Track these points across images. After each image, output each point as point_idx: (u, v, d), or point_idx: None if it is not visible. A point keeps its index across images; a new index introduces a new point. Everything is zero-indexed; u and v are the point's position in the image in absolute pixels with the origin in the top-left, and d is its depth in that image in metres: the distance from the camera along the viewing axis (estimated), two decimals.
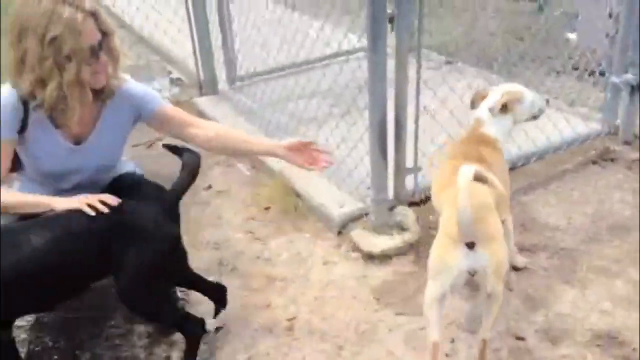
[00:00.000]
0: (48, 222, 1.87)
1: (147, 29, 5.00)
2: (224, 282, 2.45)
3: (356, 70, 2.92)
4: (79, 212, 1.86)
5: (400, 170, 2.59)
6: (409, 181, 2.66)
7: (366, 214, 2.64)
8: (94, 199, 1.89)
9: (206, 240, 2.72)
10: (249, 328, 2.25)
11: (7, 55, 1.87)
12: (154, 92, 2.15)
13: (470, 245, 1.79)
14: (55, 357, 2.14)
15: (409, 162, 2.59)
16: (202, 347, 2.14)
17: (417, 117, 2.54)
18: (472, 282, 1.94)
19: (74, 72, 1.83)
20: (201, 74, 3.91)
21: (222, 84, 3.97)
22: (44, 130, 1.97)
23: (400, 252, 2.52)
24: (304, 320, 2.28)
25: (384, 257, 2.51)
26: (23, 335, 2.23)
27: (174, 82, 4.46)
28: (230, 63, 3.88)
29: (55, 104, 1.87)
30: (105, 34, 1.89)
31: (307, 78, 3.58)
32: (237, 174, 3.25)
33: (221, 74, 3.93)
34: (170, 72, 4.60)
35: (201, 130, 2.15)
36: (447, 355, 2.07)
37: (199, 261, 2.56)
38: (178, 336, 2.21)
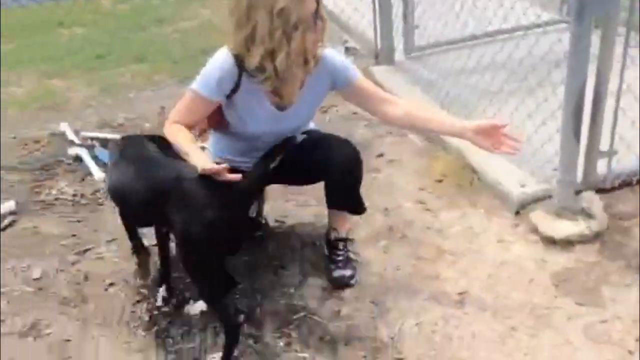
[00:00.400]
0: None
1: None
2: (393, 248, 2.47)
3: (544, 44, 2.76)
4: None
5: (593, 153, 2.43)
6: (601, 165, 2.48)
7: (549, 196, 2.51)
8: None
9: (376, 205, 2.73)
10: (417, 296, 2.25)
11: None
12: (350, 63, 2.18)
13: None
14: (237, 295, 2.28)
15: (604, 145, 2.42)
16: (372, 306, 2.18)
17: (619, 97, 2.35)
18: None
19: (300, 40, 1.89)
20: (379, 43, 3.92)
21: (399, 54, 3.95)
22: (254, 96, 2.06)
23: (584, 239, 2.37)
24: (475, 295, 2.23)
25: (566, 243, 2.37)
26: None
27: (349, 50, 4.51)
28: (409, 33, 3.84)
29: (284, 74, 1.94)
30: (317, 1, 1.94)
31: (489, 50, 3.45)
32: (409, 144, 3.22)
33: (399, 44, 3.91)
34: (346, 41, 4.65)
35: (391, 107, 2.15)
36: None
37: (368, 225, 2.60)
38: (349, 293, 2.27)
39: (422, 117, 2.16)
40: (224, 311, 2.02)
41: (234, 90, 2.04)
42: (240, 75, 2.01)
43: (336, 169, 2.16)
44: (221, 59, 2.01)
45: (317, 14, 1.92)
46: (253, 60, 1.92)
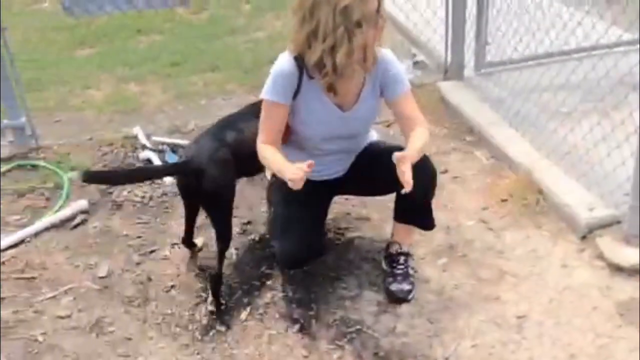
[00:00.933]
0: None
1: (402, 12, 5.04)
2: (453, 267, 2.43)
3: (623, 66, 2.67)
4: None
5: None
6: None
7: (618, 222, 2.42)
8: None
9: (437, 222, 2.69)
10: (475, 317, 2.21)
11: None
12: (404, 74, 2.18)
13: None
14: (294, 305, 2.31)
15: None
16: (428, 324, 2.16)
17: None
18: None
19: (362, 37, 1.92)
20: (449, 58, 3.88)
21: (468, 71, 3.89)
22: (316, 97, 2.10)
23: None
24: (535, 320, 2.17)
25: (633, 272, 2.28)
26: (268, 282, 2.43)
27: (418, 64, 4.48)
28: (480, 48, 3.79)
29: (343, 70, 1.97)
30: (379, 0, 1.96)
31: (564, 70, 3.36)
32: (475, 161, 3.17)
33: (470, 60, 3.86)
34: (414, 55, 4.63)
35: (412, 125, 2.12)
36: None
37: (429, 242, 2.57)
38: (405, 309, 2.25)
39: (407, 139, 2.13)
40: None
41: (296, 92, 2.08)
42: (300, 77, 2.05)
43: (414, 184, 2.14)
44: (282, 63, 2.07)
45: (378, 12, 1.94)
46: (314, 56, 1.97)
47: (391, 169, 2.03)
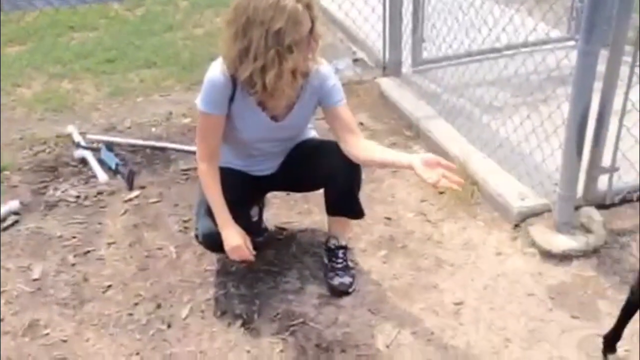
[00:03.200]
0: None
1: (341, 10, 5.08)
2: (393, 258, 2.48)
3: (551, 61, 2.77)
4: None
5: (595, 169, 2.43)
6: (602, 182, 2.49)
7: (549, 211, 2.52)
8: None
9: (377, 215, 2.74)
10: (415, 306, 2.25)
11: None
12: (340, 87, 2.17)
13: None
14: (236, 301, 2.29)
15: (606, 161, 2.42)
16: (369, 314, 2.19)
17: (623, 115, 2.36)
18: None
19: (292, 61, 1.91)
20: (387, 55, 3.94)
21: (406, 67, 3.96)
22: (247, 107, 2.09)
23: (582, 254, 2.38)
24: (471, 307, 2.23)
25: (563, 258, 2.38)
26: (210, 279, 2.41)
27: (358, 62, 4.53)
28: (416, 46, 3.86)
29: (272, 91, 1.97)
30: (312, 20, 1.94)
31: (494, 66, 3.47)
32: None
33: (407, 57, 3.93)
34: (354, 52, 4.68)
35: (356, 140, 2.12)
36: None
37: (368, 235, 2.61)
38: (347, 300, 2.28)
39: (379, 152, 2.11)
40: None
41: (231, 100, 2.07)
42: (235, 87, 2.05)
43: (334, 174, 2.18)
44: (215, 74, 2.04)
45: (311, 34, 1.94)
46: (244, 73, 1.94)
47: (317, 166, 2.09)
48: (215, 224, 2.15)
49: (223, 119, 2.10)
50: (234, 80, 2.03)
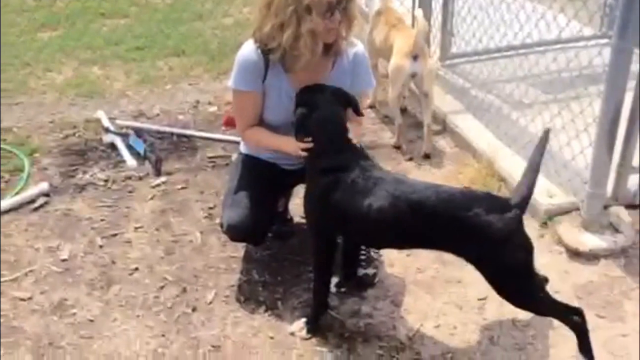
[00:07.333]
0: None
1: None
2: (417, 251, 2.47)
3: (583, 59, 2.73)
4: None
5: (625, 168, 2.41)
6: (632, 181, 2.45)
7: (577, 209, 2.49)
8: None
9: None
10: (438, 300, 2.25)
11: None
12: (372, 74, 2.24)
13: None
14: (259, 288, 2.31)
15: (637, 161, 2.39)
16: (392, 306, 2.19)
17: None
18: None
19: (310, 23, 1.94)
20: None
21: (434, 61, 3.93)
22: (278, 78, 2.10)
23: (609, 254, 2.36)
24: (495, 302, 2.20)
25: (591, 257, 2.36)
26: (234, 265, 2.43)
27: None
28: (445, 40, 3.84)
29: (290, 49, 1.99)
30: None
31: (525, 62, 3.43)
32: (440, 149, 3.21)
33: (435, 51, 3.90)
34: None
35: (353, 128, 2.11)
36: None
37: None
38: (370, 292, 2.28)
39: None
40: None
41: (264, 78, 2.09)
42: (266, 64, 2.07)
43: None
44: (246, 52, 2.08)
45: (339, 5, 1.95)
46: (265, 29, 1.99)
47: None
48: (239, 216, 2.16)
49: (257, 96, 2.13)
50: (266, 59, 2.05)
